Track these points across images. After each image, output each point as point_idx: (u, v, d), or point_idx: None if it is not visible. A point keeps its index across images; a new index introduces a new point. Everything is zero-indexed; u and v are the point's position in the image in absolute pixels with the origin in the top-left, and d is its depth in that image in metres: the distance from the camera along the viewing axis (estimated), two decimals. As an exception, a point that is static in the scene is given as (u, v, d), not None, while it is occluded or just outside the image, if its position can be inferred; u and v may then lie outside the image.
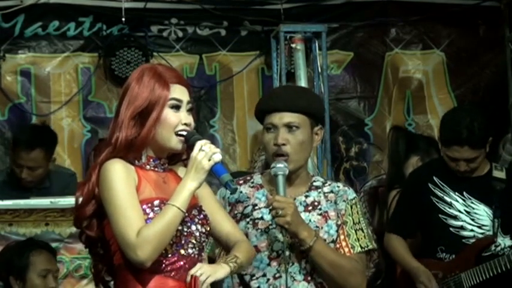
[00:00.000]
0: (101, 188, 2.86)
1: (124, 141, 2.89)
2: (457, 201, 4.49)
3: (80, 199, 2.94)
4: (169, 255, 2.86)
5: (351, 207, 3.42)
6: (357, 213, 3.44)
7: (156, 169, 2.97)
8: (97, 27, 6.60)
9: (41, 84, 6.56)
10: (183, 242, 2.88)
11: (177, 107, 2.94)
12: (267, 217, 3.33)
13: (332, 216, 3.37)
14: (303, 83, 6.11)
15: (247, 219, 3.35)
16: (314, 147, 3.65)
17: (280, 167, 3.27)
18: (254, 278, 3.32)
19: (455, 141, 4.39)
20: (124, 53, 6.44)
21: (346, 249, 3.38)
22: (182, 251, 2.88)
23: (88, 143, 6.57)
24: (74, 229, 4.95)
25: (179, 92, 2.95)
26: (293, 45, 6.16)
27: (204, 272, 2.83)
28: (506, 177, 4.50)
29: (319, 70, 6.23)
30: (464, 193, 4.49)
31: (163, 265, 2.85)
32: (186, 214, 2.86)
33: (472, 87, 6.99)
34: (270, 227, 3.32)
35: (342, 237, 3.38)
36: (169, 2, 6.70)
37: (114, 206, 2.81)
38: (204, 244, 2.96)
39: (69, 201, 4.92)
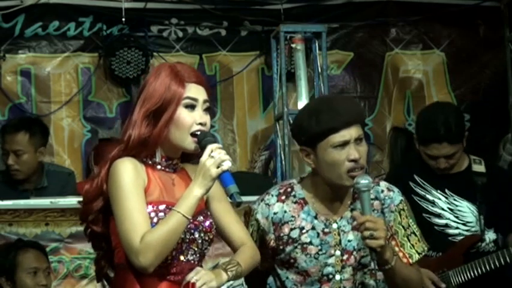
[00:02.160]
0: (109, 186, 2.84)
1: (136, 140, 2.85)
2: (439, 199, 4.48)
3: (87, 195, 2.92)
4: (169, 261, 2.82)
5: (399, 214, 3.28)
6: (406, 217, 3.29)
7: (167, 169, 2.93)
8: (97, 27, 6.60)
9: (41, 84, 6.57)
10: (184, 248, 2.85)
11: (192, 107, 2.88)
12: (316, 241, 3.21)
13: None
14: (303, 83, 6.10)
15: (295, 244, 3.21)
16: None
17: (365, 183, 3.05)
18: None
19: (434, 139, 4.39)
20: (124, 53, 6.44)
21: (405, 260, 3.24)
22: (182, 257, 2.85)
23: (88, 143, 6.58)
24: (74, 229, 4.97)
25: (195, 91, 2.89)
26: (293, 45, 6.15)
27: (201, 278, 2.80)
28: (486, 171, 4.49)
29: (319, 70, 6.21)
30: (446, 190, 4.48)
31: (163, 270, 2.82)
32: (191, 220, 2.82)
33: (472, 87, 7.00)
34: (320, 252, 3.22)
35: (396, 249, 3.23)
36: (169, 2, 6.71)
37: (120, 208, 2.79)
38: (205, 251, 2.93)
39: (69, 201, 4.93)
